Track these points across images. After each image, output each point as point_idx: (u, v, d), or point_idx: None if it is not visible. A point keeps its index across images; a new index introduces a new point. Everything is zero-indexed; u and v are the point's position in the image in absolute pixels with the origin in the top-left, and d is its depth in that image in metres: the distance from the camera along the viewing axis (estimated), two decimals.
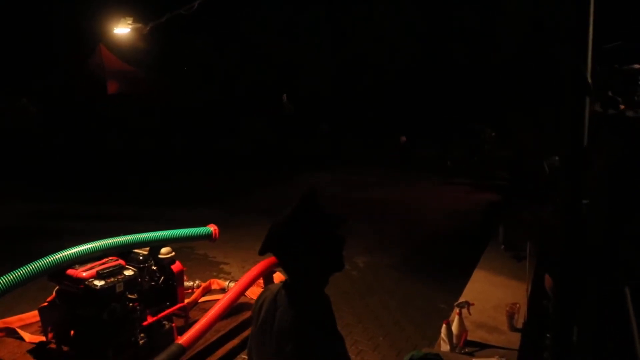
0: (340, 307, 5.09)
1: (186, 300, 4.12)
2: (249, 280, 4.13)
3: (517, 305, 3.64)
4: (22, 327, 3.88)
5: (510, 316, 3.59)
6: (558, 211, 1.51)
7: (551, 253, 1.78)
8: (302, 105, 16.31)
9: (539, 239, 4.08)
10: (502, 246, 5.86)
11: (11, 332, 3.82)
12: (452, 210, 9.29)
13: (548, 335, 1.89)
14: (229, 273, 6.23)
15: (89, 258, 3.45)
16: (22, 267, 3.18)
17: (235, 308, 4.04)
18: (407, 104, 18.00)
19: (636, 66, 2.00)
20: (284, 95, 15.39)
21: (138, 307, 3.51)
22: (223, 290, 4.79)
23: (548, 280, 2.92)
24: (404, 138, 14.20)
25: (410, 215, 9.11)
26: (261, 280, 4.50)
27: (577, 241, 1.44)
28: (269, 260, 4.29)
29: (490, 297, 4.20)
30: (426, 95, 17.94)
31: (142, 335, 3.57)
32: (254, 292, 4.55)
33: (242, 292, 4.05)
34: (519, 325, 3.50)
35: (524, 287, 3.78)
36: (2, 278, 3.09)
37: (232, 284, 4.73)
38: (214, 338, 3.89)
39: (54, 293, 3.53)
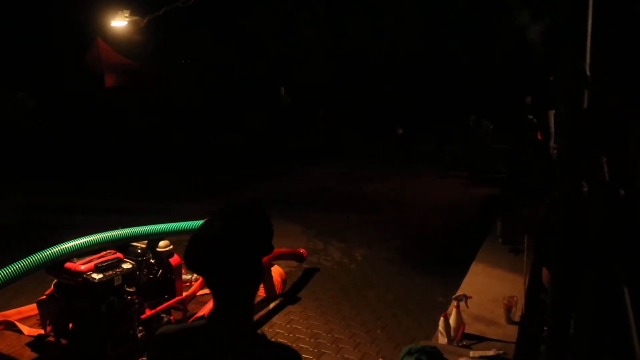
0: (338, 300, 5.10)
1: (184, 293, 4.13)
2: None
3: (515, 298, 3.66)
4: (21, 320, 3.89)
5: (508, 309, 3.61)
6: (556, 204, 1.51)
7: (549, 246, 1.78)
8: (300, 99, 16.28)
9: (536, 233, 4.10)
10: (500, 239, 5.88)
11: (10, 325, 3.82)
12: (450, 204, 9.31)
13: (545, 328, 1.90)
14: None
15: (87, 251, 3.45)
16: (20, 260, 3.18)
17: None
18: (405, 97, 18.00)
19: None
20: (282, 88, 15.37)
21: (136, 300, 3.52)
22: None
23: (545, 273, 2.93)
24: (400, 130, 14.18)
25: (408, 208, 9.12)
26: None
27: (575, 235, 1.45)
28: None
29: (488, 291, 4.22)
30: (424, 88, 17.94)
31: (140, 328, 3.58)
32: None
33: None
34: (517, 318, 3.52)
35: (521, 281, 3.79)
36: (0, 271, 3.09)
37: None
38: None
39: (52, 286, 3.54)
